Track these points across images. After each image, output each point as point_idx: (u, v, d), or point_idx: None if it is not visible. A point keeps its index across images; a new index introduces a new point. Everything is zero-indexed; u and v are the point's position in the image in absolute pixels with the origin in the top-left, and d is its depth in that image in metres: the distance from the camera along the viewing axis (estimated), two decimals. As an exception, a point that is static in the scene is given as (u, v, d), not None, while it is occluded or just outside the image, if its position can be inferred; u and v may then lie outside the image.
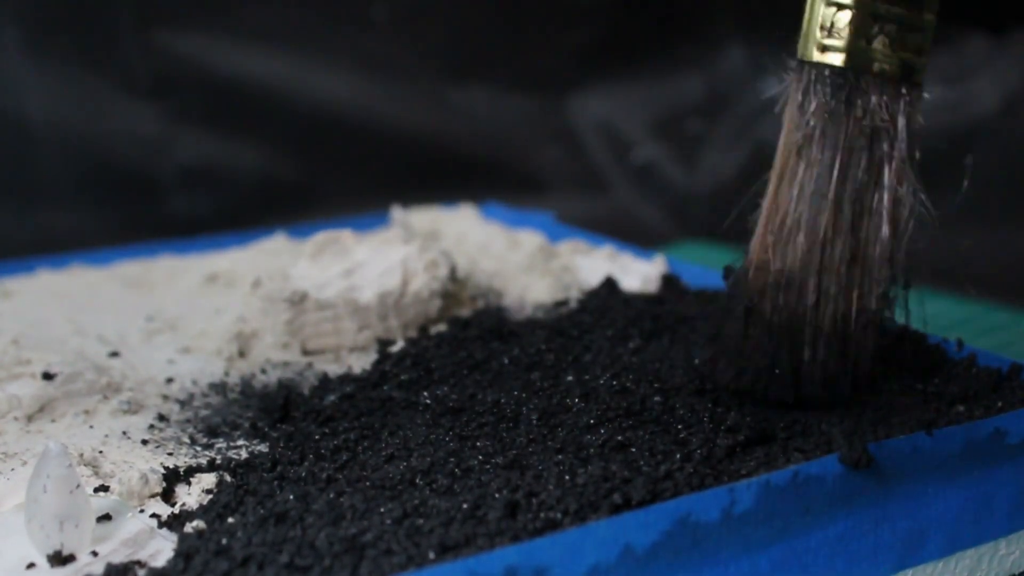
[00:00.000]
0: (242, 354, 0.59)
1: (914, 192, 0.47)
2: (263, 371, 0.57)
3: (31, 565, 0.38)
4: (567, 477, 0.40)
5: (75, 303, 0.67)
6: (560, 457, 0.42)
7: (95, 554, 0.39)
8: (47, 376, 0.51)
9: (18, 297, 0.68)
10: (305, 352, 0.59)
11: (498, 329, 0.57)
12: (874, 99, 0.46)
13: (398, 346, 0.58)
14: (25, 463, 0.45)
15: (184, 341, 0.60)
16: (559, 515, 0.38)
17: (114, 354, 0.58)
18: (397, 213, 0.84)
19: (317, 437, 0.46)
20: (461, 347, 0.55)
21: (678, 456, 0.42)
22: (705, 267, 0.68)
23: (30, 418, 0.50)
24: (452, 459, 0.43)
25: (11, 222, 0.90)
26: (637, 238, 0.80)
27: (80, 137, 0.93)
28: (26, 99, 0.91)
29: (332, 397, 0.51)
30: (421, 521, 0.38)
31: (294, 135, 1.01)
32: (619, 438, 0.44)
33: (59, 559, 0.38)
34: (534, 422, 0.46)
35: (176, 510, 0.42)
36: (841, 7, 0.46)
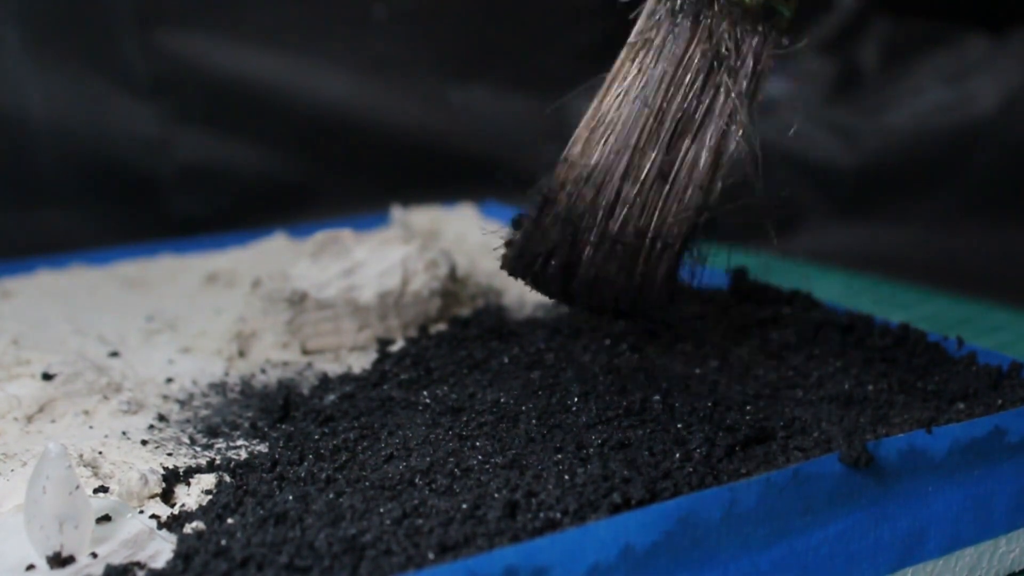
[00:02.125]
0: (242, 354, 0.59)
1: (742, 133, 0.47)
2: (263, 371, 0.57)
3: (31, 566, 0.38)
4: (567, 477, 0.40)
5: (75, 303, 0.67)
6: (560, 457, 0.42)
7: (95, 555, 0.39)
8: (47, 376, 0.51)
9: (18, 297, 0.68)
10: (305, 352, 0.59)
11: (498, 328, 0.57)
12: (724, 25, 0.46)
13: (398, 346, 0.58)
14: (25, 464, 0.45)
15: (184, 341, 0.60)
16: (559, 515, 0.38)
17: (114, 354, 0.58)
18: (397, 213, 0.84)
19: (317, 437, 0.46)
20: (461, 346, 0.55)
21: (678, 455, 0.42)
22: (705, 267, 0.68)
23: (30, 418, 0.50)
24: (452, 459, 0.43)
25: (11, 222, 0.90)
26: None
27: (80, 137, 0.93)
28: (26, 99, 0.91)
29: (332, 397, 0.51)
30: (421, 521, 0.38)
31: (294, 135, 1.01)
32: (619, 438, 0.44)
33: (59, 560, 0.38)
34: (533, 422, 0.46)
35: (176, 511, 0.42)
36: None
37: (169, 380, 0.55)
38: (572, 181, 0.47)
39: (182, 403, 0.53)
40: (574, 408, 0.47)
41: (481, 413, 0.47)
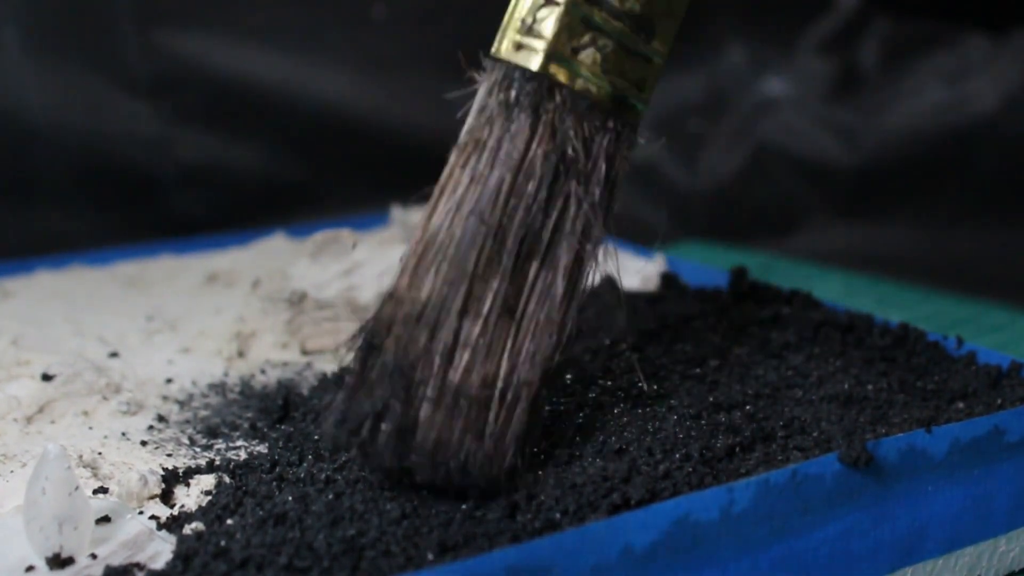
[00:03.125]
0: (241, 354, 0.59)
1: (601, 251, 0.40)
2: (262, 371, 0.57)
3: (30, 568, 0.38)
4: (566, 477, 0.40)
5: (75, 303, 0.67)
6: (560, 456, 0.42)
7: (94, 556, 0.39)
8: (46, 377, 0.51)
9: (18, 297, 0.68)
10: (305, 352, 0.59)
11: (498, 329, 0.57)
12: (569, 121, 0.38)
13: (398, 346, 0.58)
14: (24, 465, 0.45)
15: (183, 341, 0.60)
16: (559, 515, 0.38)
17: (113, 354, 0.58)
18: (397, 213, 0.84)
19: (316, 437, 0.46)
20: (461, 347, 0.55)
21: (677, 456, 0.42)
22: (705, 267, 0.68)
23: (29, 419, 0.50)
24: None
25: (11, 222, 0.90)
26: (637, 237, 0.80)
27: (80, 137, 0.93)
28: (26, 99, 0.91)
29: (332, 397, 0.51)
30: (421, 521, 0.38)
31: (294, 135, 1.01)
32: (618, 438, 0.44)
33: (58, 561, 0.38)
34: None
35: (175, 512, 0.42)
36: (549, 2, 0.38)
37: (169, 380, 0.55)
38: (401, 321, 0.38)
39: (182, 404, 0.53)
40: (573, 408, 0.47)
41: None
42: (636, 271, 0.68)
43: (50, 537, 0.38)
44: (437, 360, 0.37)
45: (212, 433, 0.49)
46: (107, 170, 0.94)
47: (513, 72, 0.39)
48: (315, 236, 0.64)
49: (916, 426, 0.44)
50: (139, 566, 0.38)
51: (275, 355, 0.58)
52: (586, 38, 0.39)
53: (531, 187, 0.38)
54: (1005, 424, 0.43)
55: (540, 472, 0.40)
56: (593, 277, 0.40)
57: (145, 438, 0.49)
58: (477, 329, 0.37)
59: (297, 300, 0.59)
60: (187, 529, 0.40)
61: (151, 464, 0.45)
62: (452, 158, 0.40)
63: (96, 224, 0.93)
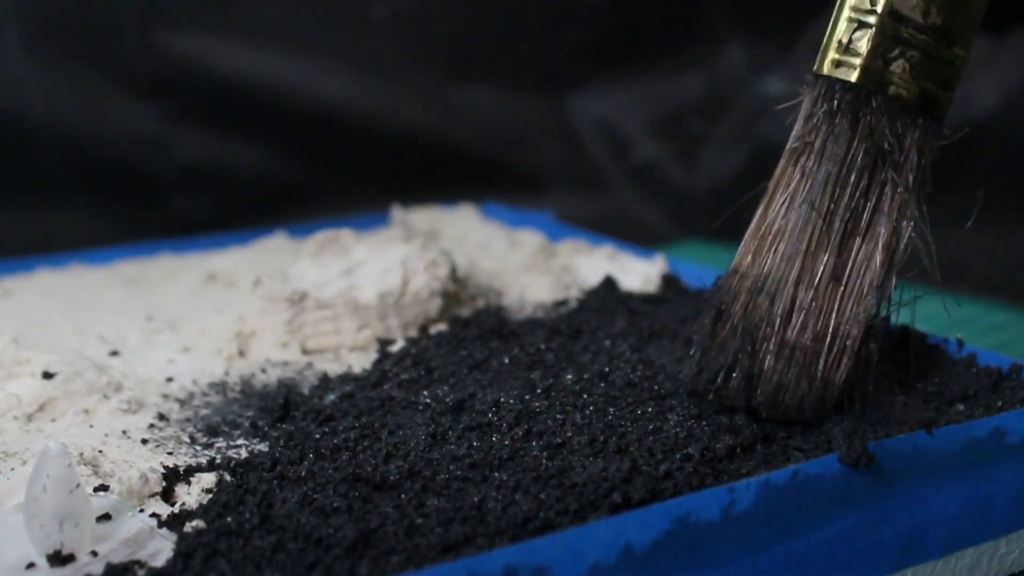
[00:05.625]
0: (242, 353, 0.59)
1: (915, 227, 0.47)
2: (263, 370, 0.57)
3: (31, 565, 0.38)
4: (567, 476, 0.40)
5: (75, 302, 0.67)
6: (560, 456, 0.42)
7: (95, 554, 0.39)
8: (47, 375, 0.51)
9: (18, 296, 0.68)
10: (305, 351, 0.59)
11: (498, 328, 0.57)
12: (884, 121, 0.46)
13: (398, 345, 0.58)
14: (25, 462, 0.45)
15: (184, 340, 0.60)
16: (559, 515, 0.38)
17: (114, 353, 0.58)
18: (397, 213, 0.84)
19: (317, 436, 0.46)
20: (461, 346, 0.55)
21: (678, 456, 0.42)
22: (705, 267, 0.68)
23: (30, 417, 0.50)
24: (452, 459, 0.43)
25: (11, 222, 0.90)
26: (637, 238, 0.80)
27: (80, 137, 0.93)
28: (26, 99, 0.91)
29: (332, 396, 0.51)
30: (421, 521, 0.38)
31: (294, 135, 1.01)
32: (619, 437, 0.44)
33: (59, 559, 0.38)
34: (533, 422, 0.46)
35: (176, 510, 0.42)
36: (863, 25, 0.45)
37: (169, 379, 0.55)
38: (746, 291, 0.47)
39: (182, 402, 0.53)
40: (574, 408, 0.47)
41: (481, 413, 0.47)
42: (636, 271, 0.68)
43: (51, 535, 0.38)
44: (777, 321, 0.46)
45: (213, 432, 0.49)
46: (107, 170, 0.94)
47: (835, 85, 0.46)
48: (315, 236, 0.64)
49: (917, 427, 0.44)
50: (140, 563, 0.38)
51: (275, 354, 0.58)
52: (896, 51, 0.45)
53: (853, 177, 0.46)
54: (1005, 426, 0.43)
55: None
56: (908, 249, 0.47)
57: (146, 436, 0.49)
58: (810, 295, 0.46)
59: (297, 300, 0.59)
60: (188, 527, 0.40)
61: (152, 462, 0.45)
62: (783, 160, 0.47)
63: (96, 223, 0.93)
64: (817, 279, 0.46)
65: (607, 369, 0.51)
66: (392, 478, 0.41)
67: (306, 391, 0.53)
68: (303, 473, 0.43)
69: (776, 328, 0.46)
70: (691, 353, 0.48)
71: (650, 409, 0.46)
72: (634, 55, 1.14)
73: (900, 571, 0.42)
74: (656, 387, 0.48)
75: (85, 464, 0.45)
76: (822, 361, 0.46)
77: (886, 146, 0.46)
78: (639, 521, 0.36)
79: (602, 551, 0.35)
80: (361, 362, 0.57)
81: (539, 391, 0.48)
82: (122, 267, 0.75)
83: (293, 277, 0.61)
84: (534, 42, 1.11)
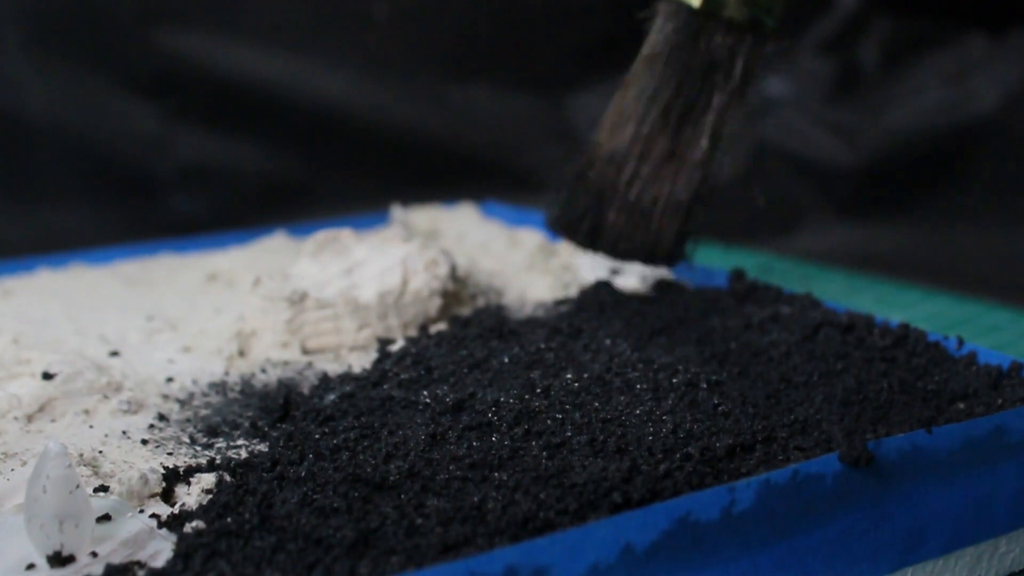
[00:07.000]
0: (242, 353, 0.59)
1: (736, 118, 0.59)
2: (263, 370, 0.57)
3: (31, 566, 0.38)
4: (567, 476, 0.40)
5: (75, 302, 0.67)
6: (560, 456, 0.42)
7: (95, 554, 0.39)
8: (47, 375, 0.51)
9: (18, 296, 0.68)
10: (305, 351, 0.59)
11: (498, 328, 0.57)
12: (718, 38, 0.57)
13: (398, 345, 0.58)
14: (25, 463, 0.45)
15: (184, 340, 0.60)
16: (559, 515, 0.38)
17: (114, 353, 0.58)
18: (397, 212, 0.84)
19: (317, 436, 0.46)
20: (461, 346, 0.55)
21: (678, 455, 0.42)
22: (704, 267, 0.68)
23: (30, 418, 0.50)
24: (452, 459, 0.43)
25: (11, 221, 0.90)
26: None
27: (80, 137, 0.93)
28: (26, 99, 0.91)
29: (332, 396, 0.51)
30: (421, 521, 0.38)
31: (294, 135, 1.01)
32: (618, 437, 0.44)
33: (59, 559, 0.38)
34: (533, 421, 0.46)
35: (176, 510, 0.42)
36: None
37: (169, 379, 0.55)
38: (599, 160, 0.59)
39: (182, 402, 0.53)
40: (574, 407, 0.47)
41: (481, 413, 0.47)
42: (636, 271, 0.68)
43: (51, 535, 0.38)
44: (621, 186, 0.59)
45: (213, 432, 0.49)
46: (107, 169, 0.94)
47: (682, 8, 0.58)
48: (315, 235, 0.64)
49: (917, 426, 0.44)
50: (140, 564, 0.38)
51: (275, 354, 0.58)
52: None
53: (690, 79, 0.58)
54: (1006, 424, 0.43)
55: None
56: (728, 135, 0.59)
57: (146, 437, 0.49)
58: (648, 169, 0.59)
59: (297, 299, 0.59)
60: (188, 527, 0.40)
61: (152, 463, 0.45)
62: (636, 64, 0.60)
63: (97, 223, 0.93)
64: (655, 156, 0.58)
65: (607, 369, 0.51)
66: (392, 478, 0.41)
67: (306, 391, 0.53)
68: (303, 473, 0.43)
69: (620, 192, 0.59)
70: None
71: (650, 409, 0.46)
72: (634, 55, 1.14)
73: (900, 570, 0.42)
74: (656, 387, 0.48)
75: (85, 465, 0.45)
76: (654, 217, 0.59)
77: (718, 57, 0.57)
78: (639, 521, 0.36)
79: (602, 551, 0.35)
80: (361, 362, 0.57)
81: (539, 391, 0.48)
82: (122, 267, 0.75)
83: (293, 277, 0.61)
84: (534, 42, 1.11)
